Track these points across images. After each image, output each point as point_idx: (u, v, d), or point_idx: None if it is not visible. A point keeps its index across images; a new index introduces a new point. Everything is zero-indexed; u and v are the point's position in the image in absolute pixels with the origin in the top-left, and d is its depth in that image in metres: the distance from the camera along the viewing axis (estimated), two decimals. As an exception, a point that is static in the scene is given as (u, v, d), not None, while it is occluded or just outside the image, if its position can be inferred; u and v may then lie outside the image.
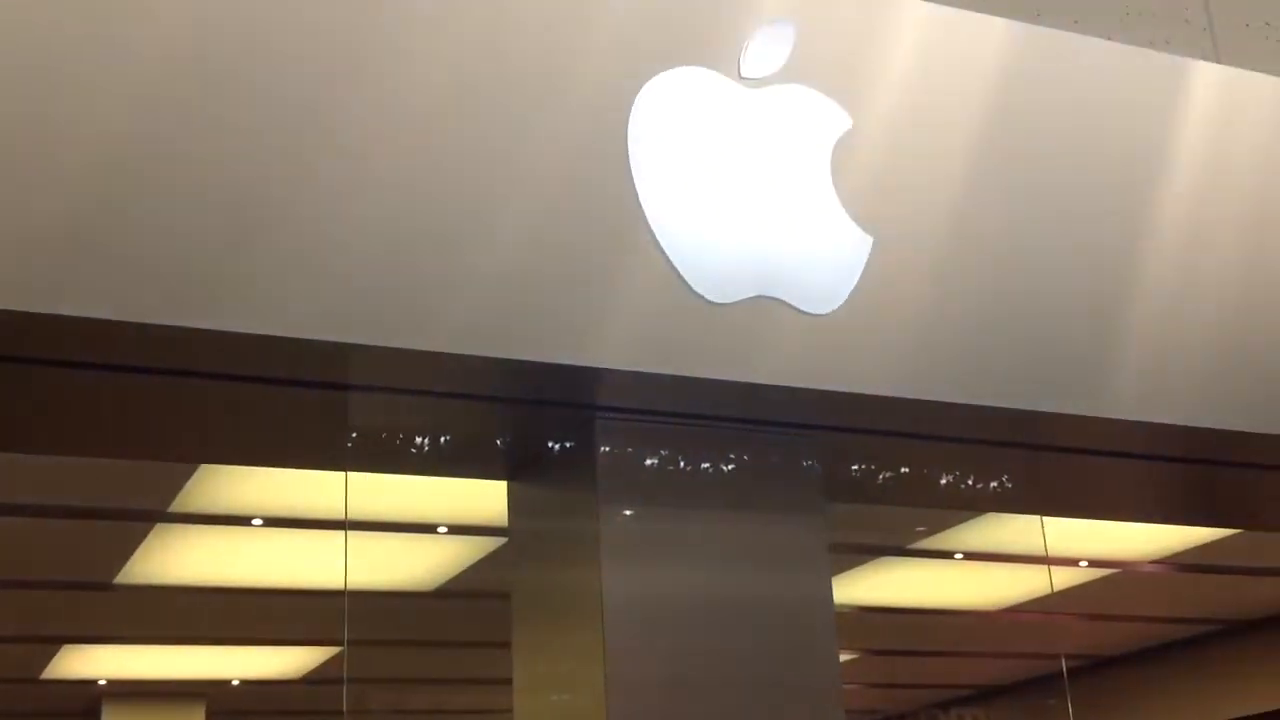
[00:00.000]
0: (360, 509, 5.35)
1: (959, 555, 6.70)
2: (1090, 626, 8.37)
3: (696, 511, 3.16)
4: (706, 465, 3.20)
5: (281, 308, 2.63)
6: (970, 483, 3.85)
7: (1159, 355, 3.44)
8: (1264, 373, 3.55)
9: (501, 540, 5.36)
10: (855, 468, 3.61)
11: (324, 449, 3.32)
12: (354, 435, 3.16)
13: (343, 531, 5.31)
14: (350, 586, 5.97)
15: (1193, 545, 6.65)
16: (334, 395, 2.92)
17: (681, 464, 3.18)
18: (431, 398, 2.99)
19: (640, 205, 2.97)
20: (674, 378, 2.95)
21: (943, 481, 3.81)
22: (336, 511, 5.16)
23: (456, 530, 5.69)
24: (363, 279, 2.70)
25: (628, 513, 3.10)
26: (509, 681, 3.36)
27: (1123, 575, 7.16)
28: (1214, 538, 6.42)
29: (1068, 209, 3.46)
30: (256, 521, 5.30)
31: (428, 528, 5.64)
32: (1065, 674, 8.94)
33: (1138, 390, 3.39)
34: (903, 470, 3.71)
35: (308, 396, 2.92)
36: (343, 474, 3.46)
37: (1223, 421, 3.47)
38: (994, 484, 3.89)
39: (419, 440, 3.22)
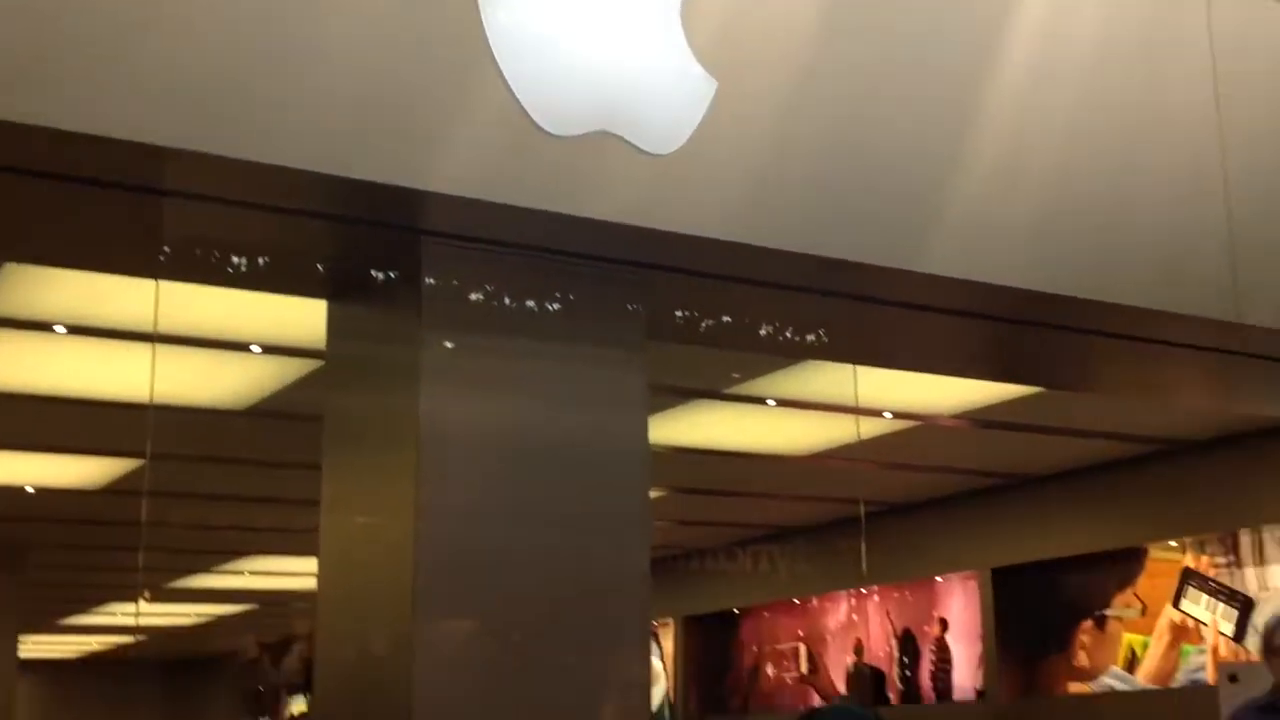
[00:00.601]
0: (171, 322, 5.20)
1: (771, 402, 6.85)
2: (890, 475, 8.69)
3: (519, 345, 3.15)
4: (532, 300, 3.17)
5: (94, 104, 2.47)
6: (789, 334, 3.90)
7: (982, 216, 3.51)
8: (1080, 239, 3.66)
9: (317, 363, 5.29)
10: (680, 312, 3.63)
11: (136, 255, 3.17)
12: (168, 243, 3.02)
13: (150, 343, 5.16)
14: (156, 400, 5.82)
15: (993, 402, 6.91)
16: (148, 200, 2.78)
17: (507, 298, 3.14)
18: (253, 210, 2.87)
19: (484, 30, 2.87)
20: (506, 207, 2.90)
21: (763, 332, 3.85)
22: (145, 322, 5.01)
23: (271, 350, 5.57)
24: (185, 81, 2.56)
25: (449, 344, 3.06)
26: (316, 502, 3.33)
27: (925, 427, 7.42)
28: (1015, 395, 6.68)
29: (909, 67, 3.47)
30: (59, 329, 5.09)
31: (240, 345, 5.51)
32: (863, 518, 9.32)
33: (959, 249, 3.46)
34: (725, 319, 3.73)
35: (120, 199, 2.78)
36: (153, 282, 3.32)
37: (1037, 283, 3.58)
38: (811, 336, 3.95)
39: (237, 252, 3.10)
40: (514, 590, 3.04)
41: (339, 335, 3.40)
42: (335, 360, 3.47)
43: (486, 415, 3.09)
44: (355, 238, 3.07)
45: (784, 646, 11.38)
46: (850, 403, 6.49)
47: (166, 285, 3.44)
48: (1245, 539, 8.13)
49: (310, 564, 3.37)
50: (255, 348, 5.55)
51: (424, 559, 2.92)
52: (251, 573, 11.32)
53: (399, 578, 2.95)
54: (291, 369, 5.82)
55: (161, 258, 3.09)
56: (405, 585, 2.92)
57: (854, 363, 4.66)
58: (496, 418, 3.10)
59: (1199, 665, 8.31)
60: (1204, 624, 8.31)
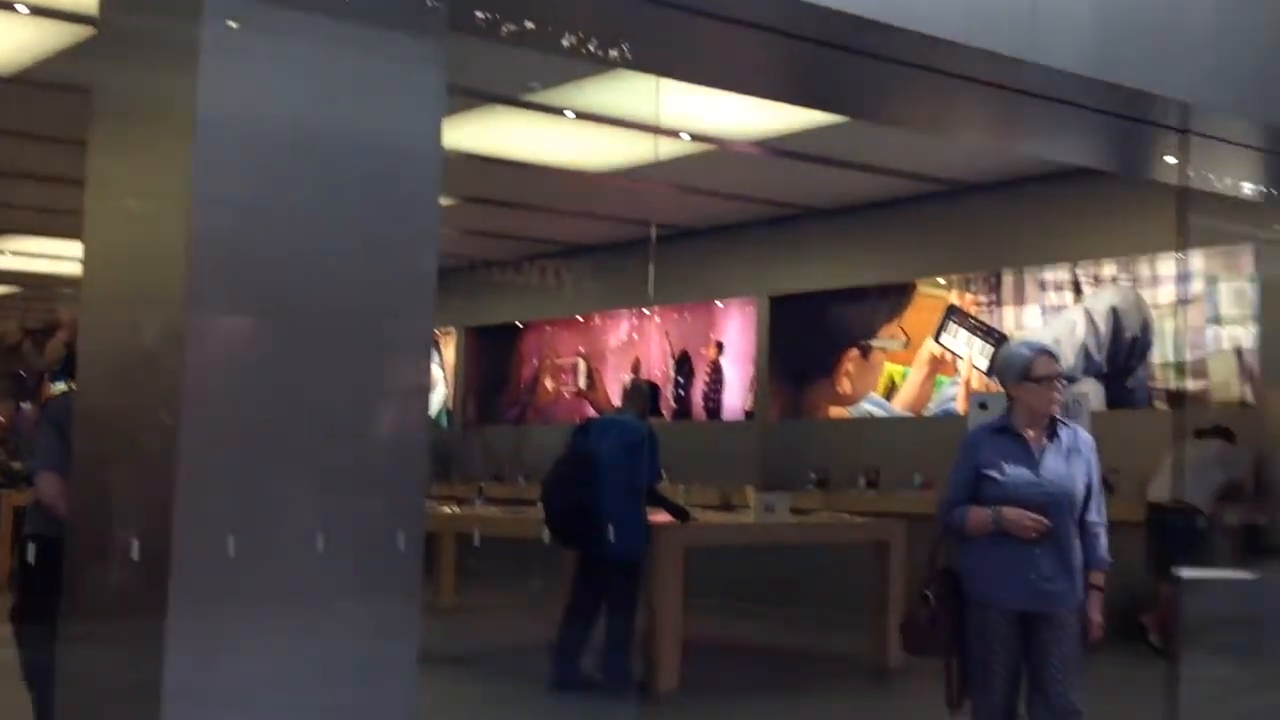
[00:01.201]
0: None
1: (570, 114, 6.72)
2: (682, 198, 8.73)
3: (310, 27, 2.95)
4: (327, -22, 2.97)
5: None
6: (594, 43, 3.78)
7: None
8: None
9: (90, 30, 4.92)
10: (483, 12, 3.46)
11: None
12: None
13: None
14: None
15: (789, 131, 6.93)
16: None
17: (299, -26, 2.93)
18: None
19: None
20: None
21: (566, 41, 3.72)
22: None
23: (40, 12, 5.15)
24: None
25: (233, 22, 2.85)
26: (80, 181, 3.13)
27: (721, 152, 7.42)
28: (809, 126, 6.71)
29: None
30: None
31: (5, 4, 5.07)
32: (653, 240, 9.39)
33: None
34: (528, 23, 3.58)
35: None
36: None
37: (853, 6, 3.51)
38: (614, 49, 3.84)
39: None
40: (294, 288, 2.94)
41: (115, 3, 3.14)
42: (109, 29, 3.21)
43: (271, 102, 2.91)
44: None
45: (564, 361, 11.57)
46: (650, 122, 6.43)
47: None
48: (1008, 279, 8.51)
49: (76, 248, 3.19)
50: (22, 7, 5.13)
51: (198, 251, 2.79)
52: (13, 253, 10.85)
53: (170, 268, 2.82)
54: (60, 35, 5.42)
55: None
56: (177, 277, 2.79)
57: (657, 74, 4.56)
58: (282, 105, 2.92)
59: (952, 396, 8.79)
60: (961, 358, 8.75)
